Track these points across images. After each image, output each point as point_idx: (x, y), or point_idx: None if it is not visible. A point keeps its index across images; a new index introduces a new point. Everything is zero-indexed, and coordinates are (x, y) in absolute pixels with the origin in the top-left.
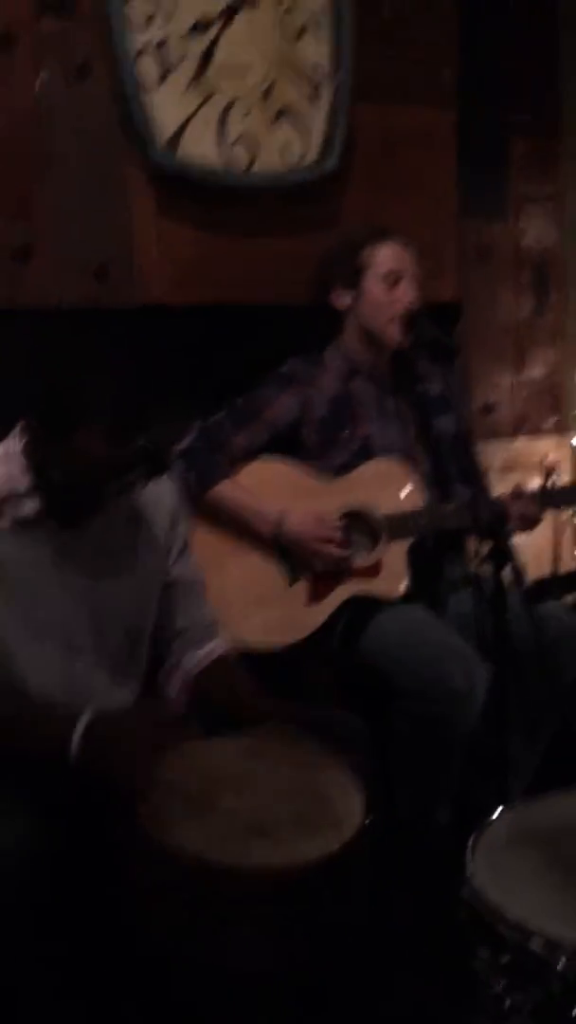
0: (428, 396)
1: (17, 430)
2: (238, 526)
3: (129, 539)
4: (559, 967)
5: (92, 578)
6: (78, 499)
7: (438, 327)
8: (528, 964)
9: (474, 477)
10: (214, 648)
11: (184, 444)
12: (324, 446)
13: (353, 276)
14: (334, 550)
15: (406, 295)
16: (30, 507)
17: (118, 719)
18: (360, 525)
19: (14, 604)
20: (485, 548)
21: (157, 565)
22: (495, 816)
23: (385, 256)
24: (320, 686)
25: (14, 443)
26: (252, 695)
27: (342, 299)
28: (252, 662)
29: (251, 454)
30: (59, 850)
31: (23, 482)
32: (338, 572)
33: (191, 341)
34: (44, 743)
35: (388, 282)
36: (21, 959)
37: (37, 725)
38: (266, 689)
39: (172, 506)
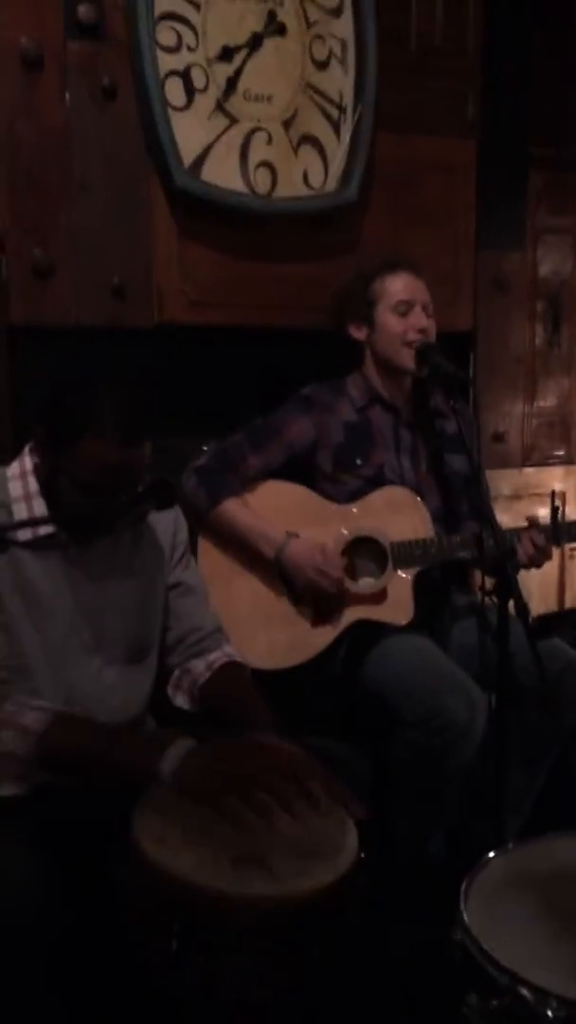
0: (444, 433)
1: (27, 448)
2: (243, 546)
3: (134, 550)
4: (549, 1015)
5: (101, 590)
6: (89, 521)
7: (452, 360)
8: (518, 1011)
9: (484, 516)
10: (219, 656)
11: (199, 461)
12: (337, 471)
13: (366, 309)
14: (328, 584)
15: (418, 322)
16: (45, 527)
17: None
18: (368, 551)
19: (34, 618)
20: (491, 581)
21: (160, 573)
22: (490, 856)
23: (396, 287)
24: (321, 713)
25: (28, 461)
26: (259, 706)
27: (359, 331)
28: (258, 682)
29: (266, 475)
30: (61, 885)
31: (39, 503)
32: (344, 596)
33: (207, 362)
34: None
35: (399, 312)
36: (27, 992)
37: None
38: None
39: (174, 515)
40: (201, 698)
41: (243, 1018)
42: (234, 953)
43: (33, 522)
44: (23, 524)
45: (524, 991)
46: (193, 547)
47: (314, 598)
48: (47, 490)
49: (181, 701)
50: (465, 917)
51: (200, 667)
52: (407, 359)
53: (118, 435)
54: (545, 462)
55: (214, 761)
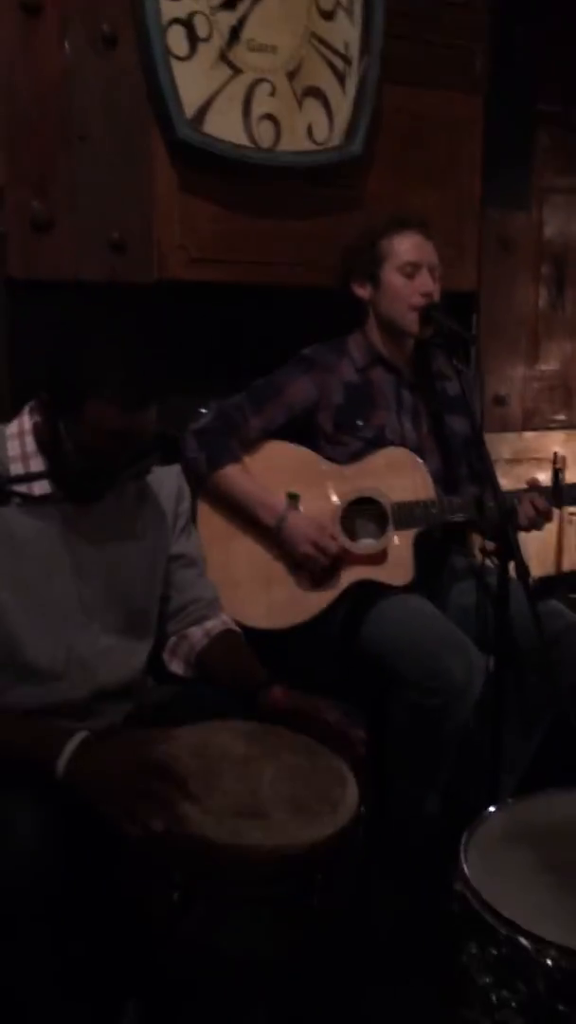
0: (445, 394)
1: (27, 408)
2: (242, 513)
3: (136, 515)
4: (548, 964)
5: (102, 552)
6: (92, 481)
7: (455, 318)
8: (517, 961)
9: (485, 478)
10: (217, 624)
11: (200, 423)
12: (338, 432)
13: (372, 267)
14: (324, 560)
15: (424, 285)
16: (41, 486)
17: (104, 747)
18: (368, 512)
19: (25, 578)
20: (491, 542)
21: (163, 540)
22: (491, 811)
23: (404, 247)
24: (320, 673)
25: (27, 420)
26: (255, 667)
27: (362, 289)
28: (255, 646)
29: (267, 435)
30: (66, 836)
31: (36, 462)
32: (343, 557)
33: (208, 320)
34: (32, 761)
35: (405, 273)
36: (32, 949)
37: (27, 746)
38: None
39: (177, 483)
40: (197, 664)
41: (244, 969)
42: (235, 904)
43: (28, 477)
44: (20, 479)
45: (523, 940)
46: (192, 509)
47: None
48: (47, 451)
49: (176, 667)
50: (465, 868)
51: (198, 634)
52: (410, 322)
53: (123, 400)
54: (546, 426)
55: (102, 760)
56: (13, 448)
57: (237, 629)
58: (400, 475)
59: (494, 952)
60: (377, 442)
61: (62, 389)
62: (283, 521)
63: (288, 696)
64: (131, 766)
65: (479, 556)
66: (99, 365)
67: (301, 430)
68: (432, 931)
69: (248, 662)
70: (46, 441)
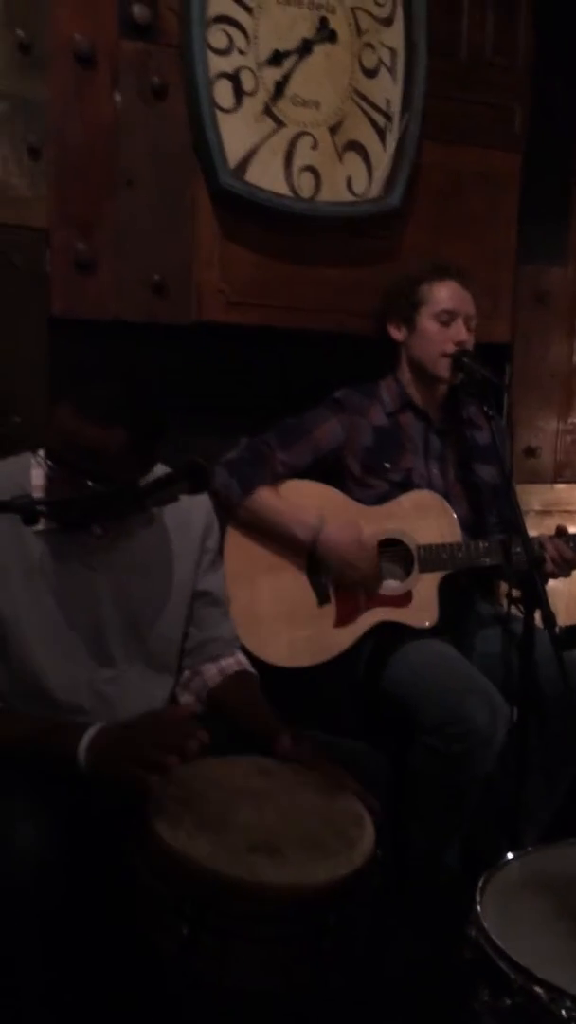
0: (475, 442)
1: None
2: (275, 534)
3: (163, 547)
4: (563, 1015)
5: (126, 584)
6: (70, 506)
7: (488, 367)
8: (531, 1010)
9: (513, 524)
10: (232, 663)
11: (229, 456)
12: (366, 475)
13: (409, 310)
14: (365, 567)
15: (458, 335)
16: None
17: (124, 730)
18: (395, 553)
19: (44, 608)
20: (517, 590)
21: (188, 574)
22: (508, 858)
23: (442, 294)
24: (342, 714)
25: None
26: (266, 712)
27: (398, 332)
28: (277, 683)
29: (292, 474)
30: (70, 856)
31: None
32: (368, 597)
33: (243, 362)
34: (54, 754)
35: (441, 320)
36: (28, 962)
37: (49, 736)
38: (284, 712)
39: (206, 518)
40: (209, 701)
41: (252, 1007)
42: (245, 940)
43: (60, 503)
44: (45, 503)
45: (538, 989)
46: (221, 541)
47: (340, 592)
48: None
49: (187, 701)
50: (480, 914)
51: (212, 671)
52: (442, 369)
53: (85, 412)
54: None
55: (117, 740)
56: (37, 477)
57: (252, 671)
58: (427, 517)
59: (507, 1001)
60: (404, 485)
61: (79, 407)
62: (318, 533)
63: (294, 748)
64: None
65: (505, 603)
66: (78, 379)
67: (329, 471)
68: (446, 978)
69: (260, 706)
70: (61, 472)
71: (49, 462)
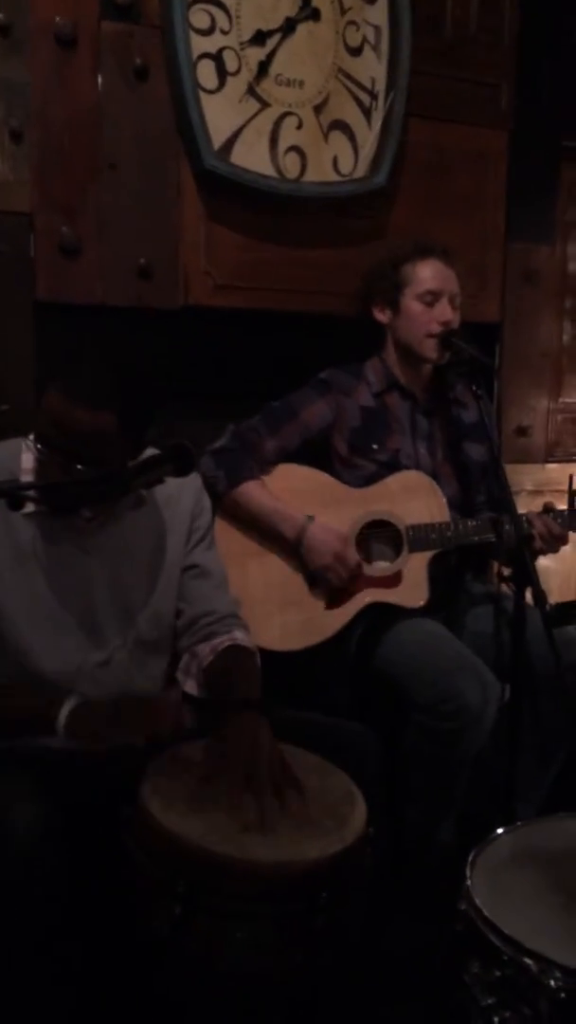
0: (461, 421)
1: None
2: (262, 528)
3: (153, 528)
4: (552, 985)
5: (118, 565)
6: (62, 490)
7: (476, 346)
8: (520, 982)
9: (503, 501)
10: (225, 639)
11: (217, 444)
12: (353, 455)
13: (392, 292)
14: (344, 571)
15: (443, 314)
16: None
17: (104, 704)
18: (383, 535)
19: (33, 589)
20: (508, 568)
21: (178, 553)
22: (499, 832)
23: (425, 274)
24: (335, 695)
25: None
26: (247, 684)
27: (382, 314)
28: (269, 668)
29: (282, 458)
30: (65, 840)
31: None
32: (358, 579)
33: (230, 344)
34: (34, 720)
35: (425, 301)
36: (24, 946)
37: (30, 700)
38: (278, 694)
39: (195, 495)
40: (205, 681)
41: (246, 987)
42: (238, 919)
43: (47, 487)
44: (32, 487)
45: (528, 961)
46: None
47: (328, 581)
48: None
49: (190, 687)
50: (470, 888)
51: (205, 650)
52: (428, 349)
53: (73, 392)
54: (568, 458)
55: (103, 714)
56: (28, 461)
57: (247, 646)
58: (415, 498)
59: (497, 973)
60: (392, 466)
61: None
62: (304, 532)
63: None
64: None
65: (496, 582)
66: (64, 363)
67: (316, 453)
68: (436, 954)
69: (243, 679)
70: (49, 454)
71: (39, 446)
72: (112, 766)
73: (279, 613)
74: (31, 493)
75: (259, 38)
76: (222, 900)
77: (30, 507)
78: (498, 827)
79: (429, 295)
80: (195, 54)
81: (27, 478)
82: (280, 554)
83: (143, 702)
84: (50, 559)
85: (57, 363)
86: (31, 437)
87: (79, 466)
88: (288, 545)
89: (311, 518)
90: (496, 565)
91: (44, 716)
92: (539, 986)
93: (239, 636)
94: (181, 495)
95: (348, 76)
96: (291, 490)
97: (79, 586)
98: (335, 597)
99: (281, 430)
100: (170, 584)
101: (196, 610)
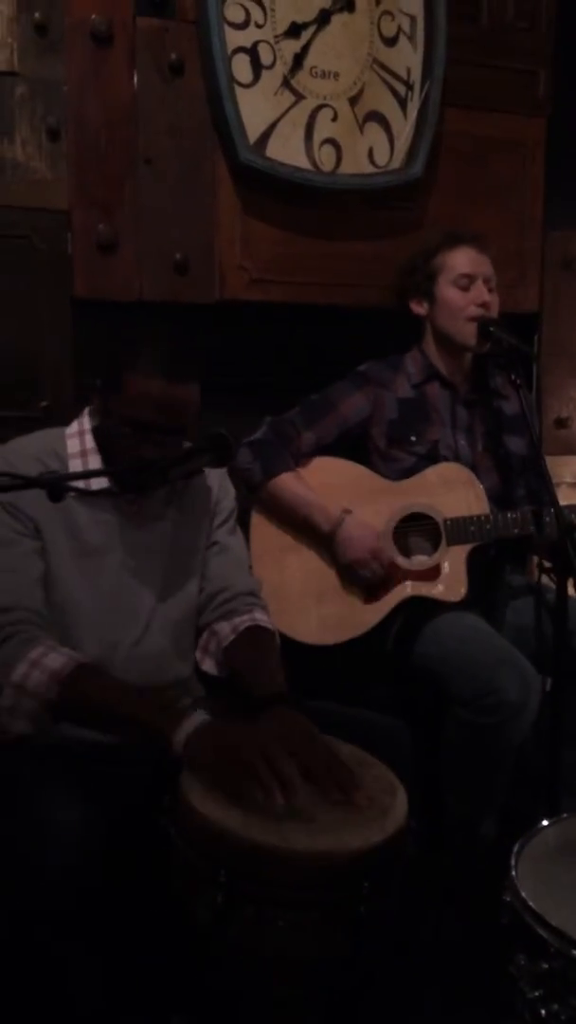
0: (502, 413)
1: (87, 410)
2: (297, 520)
3: (184, 516)
4: None
5: (152, 551)
6: (146, 474)
7: (516, 336)
8: (568, 974)
9: (544, 492)
10: (246, 619)
11: (254, 436)
12: (391, 448)
13: (427, 283)
14: (377, 567)
15: (479, 296)
16: (98, 482)
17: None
18: (422, 528)
19: (85, 568)
20: (548, 562)
21: (204, 539)
22: (544, 824)
23: (457, 260)
24: (373, 690)
25: (87, 421)
26: (271, 670)
27: (419, 307)
28: (307, 661)
29: (319, 451)
30: (108, 841)
31: (95, 459)
32: (395, 573)
33: (266, 338)
34: (139, 732)
35: (460, 286)
36: (70, 939)
37: (144, 711)
38: (314, 687)
39: (219, 482)
40: (225, 661)
41: (287, 974)
42: (280, 907)
43: (87, 474)
44: (77, 476)
45: (575, 952)
46: (245, 522)
47: (361, 576)
48: (103, 442)
49: (208, 666)
50: (516, 879)
51: (226, 629)
52: (468, 334)
53: (162, 370)
54: None
55: (226, 738)
56: (73, 446)
57: (269, 627)
58: (453, 490)
59: (544, 965)
60: (431, 458)
61: (108, 367)
62: (339, 525)
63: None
64: (249, 741)
65: (536, 574)
66: (140, 341)
67: (355, 445)
68: (483, 947)
69: (265, 663)
70: (101, 433)
71: (125, 429)
72: (155, 756)
73: (316, 607)
74: (76, 483)
75: (294, 31)
76: (264, 889)
77: (95, 485)
78: (542, 819)
79: (464, 279)
80: (230, 48)
81: (75, 462)
82: (316, 548)
83: (266, 740)
84: (94, 537)
85: (98, 356)
86: (84, 425)
87: (170, 440)
88: (324, 538)
89: (348, 512)
90: (537, 557)
91: (157, 729)
92: None
93: (260, 617)
94: (207, 481)
95: (383, 67)
96: (328, 484)
97: (117, 567)
98: (373, 591)
99: (318, 423)
100: (197, 565)
101: (214, 586)
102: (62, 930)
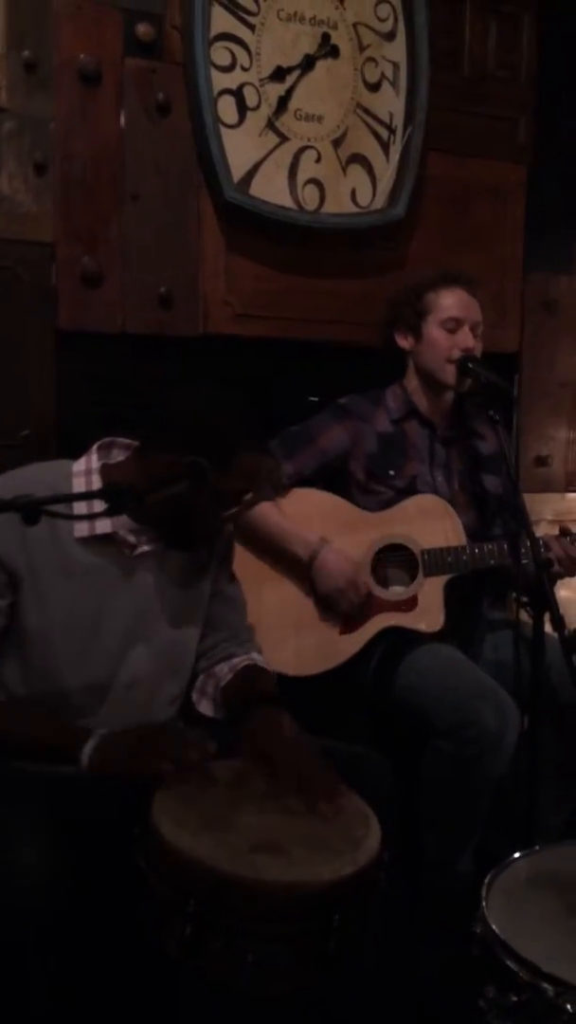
0: (479, 453)
1: (94, 448)
2: (276, 549)
3: (189, 560)
4: (570, 1009)
5: (153, 597)
6: (211, 530)
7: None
8: (537, 1006)
9: (520, 526)
10: (243, 659)
11: None
12: (370, 481)
13: (416, 319)
14: (354, 597)
15: (465, 341)
16: (103, 525)
17: (128, 735)
18: (399, 558)
19: (76, 607)
20: (525, 596)
21: (206, 580)
22: (515, 856)
23: (448, 302)
24: (353, 722)
25: (95, 460)
26: (270, 704)
27: (405, 340)
28: (285, 694)
29: (298, 482)
30: (74, 871)
31: (99, 502)
32: (373, 603)
33: (248, 372)
34: (56, 751)
35: (448, 328)
36: (33, 977)
37: (54, 735)
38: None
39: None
40: (223, 701)
41: (257, 1009)
42: (250, 940)
43: (91, 516)
44: (55, 499)
45: (545, 985)
46: None
47: (338, 605)
48: (168, 512)
49: (205, 708)
50: (486, 911)
51: (224, 670)
52: (448, 375)
53: (264, 446)
54: None
55: (126, 746)
56: (78, 485)
57: (264, 666)
58: (430, 521)
59: (514, 997)
60: (409, 492)
61: (212, 447)
62: (317, 555)
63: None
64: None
65: (514, 608)
66: (242, 418)
67: (334, 478)
68: (455, 980)
69: (263, 698)
70: (171, 507)
71: (213, 499)
72: (124, 785)
73: (294, 637)
74: (58, 508)
75: (279, 74)
76: (233, 920)
77: (85, 530)
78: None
79: (452, 322)
80: (216, 90)
81: (79, 504)
82: (294, 578)
83: (167, 732)
84: (90, 582)
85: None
86: (96, 468)
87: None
88: (301, 567)
89: (326, 542)
90: (514, 591)
91: (67, 749)
92: (556, 1010)
93: (256, 657)
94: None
95: (366, 111)
96: (305, 514)
97: (114, 612)
98: (350, 621)
99: (297, 455)
100: (201, 613)
101: (219, 636)
102: (26, 967)
